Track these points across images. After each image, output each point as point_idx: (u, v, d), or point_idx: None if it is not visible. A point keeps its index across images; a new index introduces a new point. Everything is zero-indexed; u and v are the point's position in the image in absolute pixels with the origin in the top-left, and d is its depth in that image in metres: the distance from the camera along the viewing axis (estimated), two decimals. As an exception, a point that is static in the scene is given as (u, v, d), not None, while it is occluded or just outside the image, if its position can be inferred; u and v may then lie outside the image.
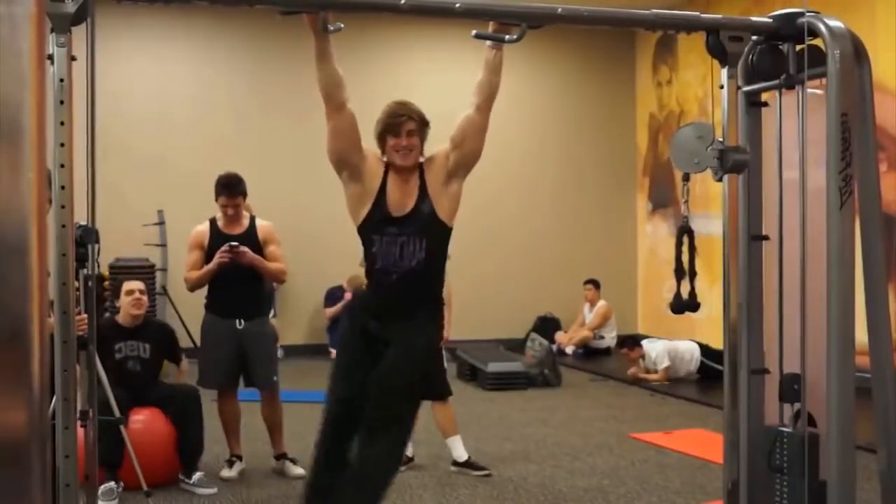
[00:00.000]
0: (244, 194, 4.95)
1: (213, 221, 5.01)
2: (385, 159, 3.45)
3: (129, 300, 4.86)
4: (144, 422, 4.71)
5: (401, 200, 3.40)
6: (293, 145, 9.97)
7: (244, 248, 4.79)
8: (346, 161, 3.39)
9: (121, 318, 4.91)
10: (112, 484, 4.42)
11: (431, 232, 3.41)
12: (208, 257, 4.88)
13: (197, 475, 4.70)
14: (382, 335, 3.39)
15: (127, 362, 4.82)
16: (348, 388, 3.41)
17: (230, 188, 4.88)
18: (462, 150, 3.42)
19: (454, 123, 3.50)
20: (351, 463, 3.35)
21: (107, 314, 5.66)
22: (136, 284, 4.94)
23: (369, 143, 3.46)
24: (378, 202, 3.39)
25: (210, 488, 4.66)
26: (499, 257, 10.49)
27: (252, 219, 5.04)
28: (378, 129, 3.45)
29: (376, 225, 3.38)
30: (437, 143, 3.53)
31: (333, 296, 9.87)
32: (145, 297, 4.95)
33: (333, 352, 9.68)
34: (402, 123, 3.40)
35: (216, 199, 4.92)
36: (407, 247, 3.37)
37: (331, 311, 9.81)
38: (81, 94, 2.44)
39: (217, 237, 4.91)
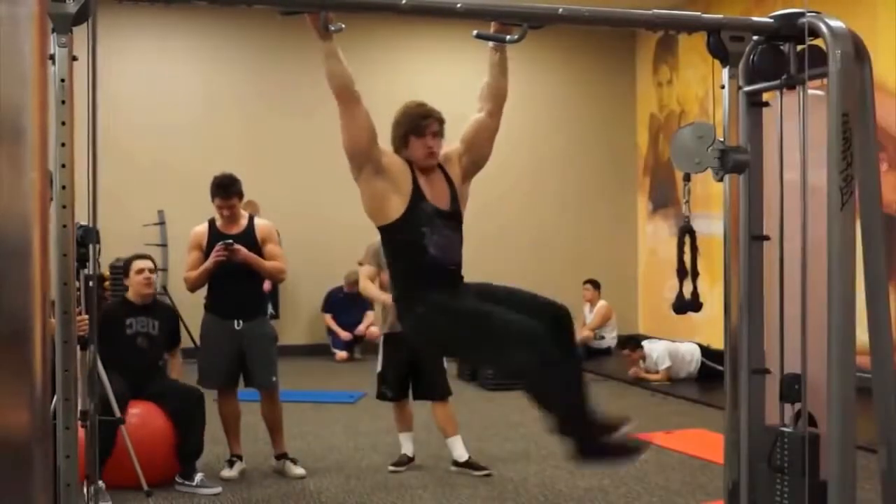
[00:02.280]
0: (239, 195, 4.97)
1: (212, 222, 5.03)
2: (405, 157, 3.46)
3: (141, 279, 4.92)
4: (143, 417, 4.70)
5: (437, 195, 3.40)
6: (295, 145, 9.97)
7: (238, 246, 4.82)
8: (368, 156, 3.34)
9: (131, 296, 4.96)
10: (102, 483, 4.42)
11: (461, 227, 3.46)
12: (207, 257, 4.90)
13: (199, 476, 4.70)
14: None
15: (137, 338, 4.88)
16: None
17: (224, 189, 4.91)
18: (473, 154, 3.48)
19: (456, 123, 3.53)
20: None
21: (107, 298, 5.69)
22: (146, 263, 4.99)
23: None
24: (417, 195, 3.36)
25: (214, 488, 4.65)
26: (499, 257, 10.45)
27: (251, 218, 5.06)
28: (401, 131, 3.43)
29: (424, 217, 3.34)
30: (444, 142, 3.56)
31: (334, 297, 9.87)
32: (154, 275, 5.01)
33: (337, 353, 9.70)
34: (428, 125, 3.40)
35: (212, 201, 4.96)
36: (453, 241, 3.38)
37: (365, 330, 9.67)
38: (82, 94, 2.44)
39: (215, 237, 4.93)
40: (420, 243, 3.32)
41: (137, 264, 4.96)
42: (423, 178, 3.42)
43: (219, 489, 4.66)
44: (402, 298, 3.43)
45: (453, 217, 3.40)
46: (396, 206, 3.34)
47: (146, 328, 4.90)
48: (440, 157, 3.50)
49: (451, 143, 3.56)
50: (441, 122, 3.47)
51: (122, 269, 5.07)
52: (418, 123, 3.41)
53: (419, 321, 3.39)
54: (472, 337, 3.33)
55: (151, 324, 4.92)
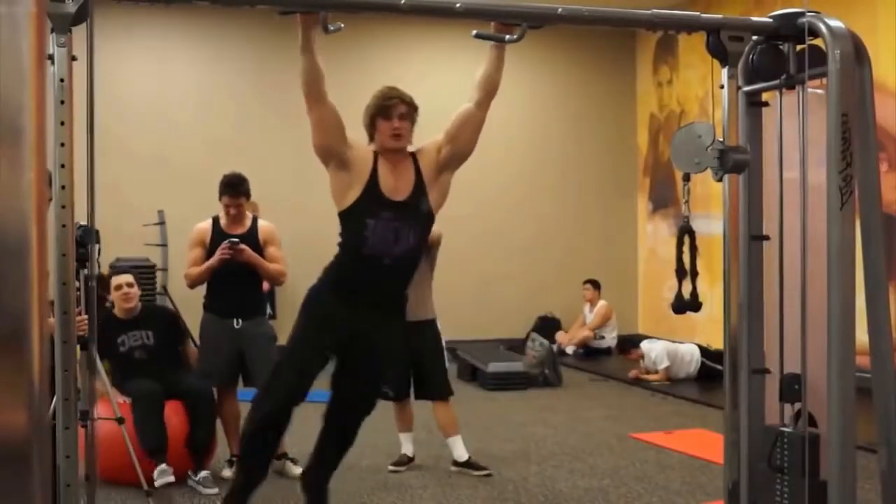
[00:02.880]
0: (247, 195, 4.98)
1: (215, 220, 5.03)
2: (374, 147, 3.47)
3: (119, 295, 4.92)
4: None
5: (395, 186, 3.41)
6: (294, 145, 9.94)
7: (243, 246, 4.82)
8: (332, 151, 3.40)
9: (117, 312, 4.95)
10: (164, 466, 4.48)
11: (424, 221, 3.47)
12: (209, 255, 4.90)
13: (202, 474, 4.69)
14: (359, 323, 3.44)
15: (133, 353, 4.86)
16: (315, 364, 3.53)
17: (233, 188, 4.91)
18: (456, 144, 3.46)
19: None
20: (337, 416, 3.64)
21: (107, 304, 5.68)
22: (123, 278, 4.97)
23: (359, 136, 3.48)
24: (370, 186, 3.39)
25: (211, 488, 4.65)
26: (499, 257, 10.48)
27: (254, 219, 5.07)
28: (369, 113, 3.48)
29: (370, 207, 3.37)
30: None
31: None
32: (134, 289, 4.98)
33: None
34: (394, 106, 3.43)
35: (220, 199, 4.96)
36: (401, 232, 3.38)
37: None
38: (81, 94, 2.44)
39: (218, 236, 4.93)
40: (361, 234, 3.36)
41: (115, 280, 4.96)
42: (386, 168, 3.43)
43: (215, 490, 4.65)
44: (324, 274, 3.61)
45: (409, 208, 3.40)
46: (351, 195, 3.39)
47: (140, 340, 4.89)
48: (415, 148, 3.51)
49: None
50: (410, 105, 3.48)
51: (103, 285, 5.03)
52: (384, 105, 3.44)
53: (308, 296, 3.66)
54: (283, 350, 3.69)
55: (145, 335, 4.91)
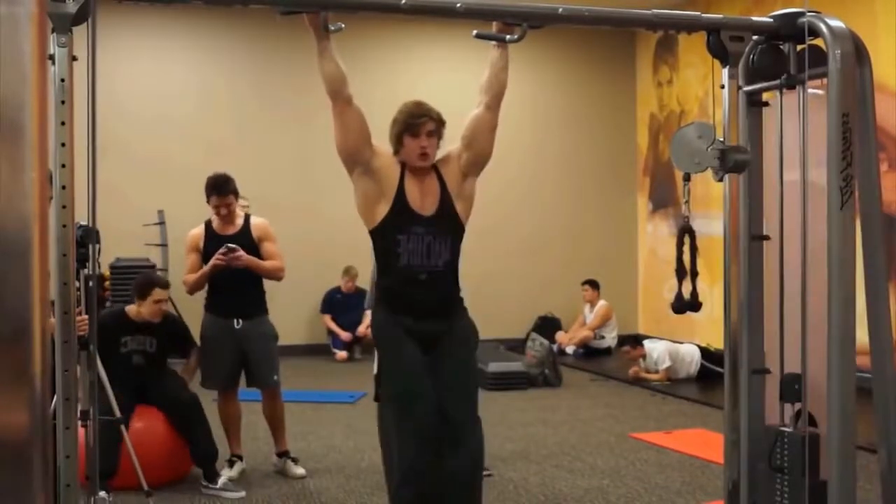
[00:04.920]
0: (235, 193, 4.95)
1: (207, 223, 5.03)
2: (400, 159, 3.45)
3: (155, 308, 4.83)
4: (144, 421, 4.71)
5: (422, 200, 3.40)
6: (294, 145, 9.98)
7: (240, 252, 4.80)
8: (357, 157, 3.37)
9: (134, 314, 4.88)
10: (103, 494, 4.37)
11: (455, 231, 3.45)
12: (205, 258, 4.90)
13: (222, 479, 4.68)
14: (426, 332, 3.40)
15: (132, 357, 4.82)
16: (425, 388, 3.34)
17: (219, 188, 4.89)
18: (474, 150, 3.45)
19: (456, 123, 3.52)
20: (453, 461, 3.33)
21: (107, 304, 5.61)
22: (165, 294, 4.92)
23: (377, 140, 3.46)
24: (399, 201, 3.37)
25: (238, 492, 4.64)
26: (499, 257, 10.48)
27: (246, 217, 5.05)
28: (396, 130, 3.43)
29: (401, 223, 3.36)
30: (444, 143, 3.55)
31: (333, 298, 9.86)
32: (167, 307, 4.98)
33: (337, 353, 9.70)
34: (423, 124, 3.39)
35: (207, 201, 4.94)
36: (434, 246, 3.37)
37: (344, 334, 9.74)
38: (82, 93, 2.44)
39: (212, 239, 4.92)
40: (394, 250, 3.35)
41: (159, 293, 4.85)
42: (412, 181, 3.41)
43: (242, 493, 4.63)
44: (376, 301, 3.57)
45: (439, 221, 3.39)
46: (380, 211, 3.38)
47: (143, 346, 4.84)
48: (437, 159, 3.50)
49: (452, 143, 3.56)
50: (438, 122, 3.44)
51: (141, 286, 4.92)
52: (412, 122, 3.40)
53: (373, 326, 3.61)
54: (381, 382, 3.59)
55: (149, 342, 4.86)
